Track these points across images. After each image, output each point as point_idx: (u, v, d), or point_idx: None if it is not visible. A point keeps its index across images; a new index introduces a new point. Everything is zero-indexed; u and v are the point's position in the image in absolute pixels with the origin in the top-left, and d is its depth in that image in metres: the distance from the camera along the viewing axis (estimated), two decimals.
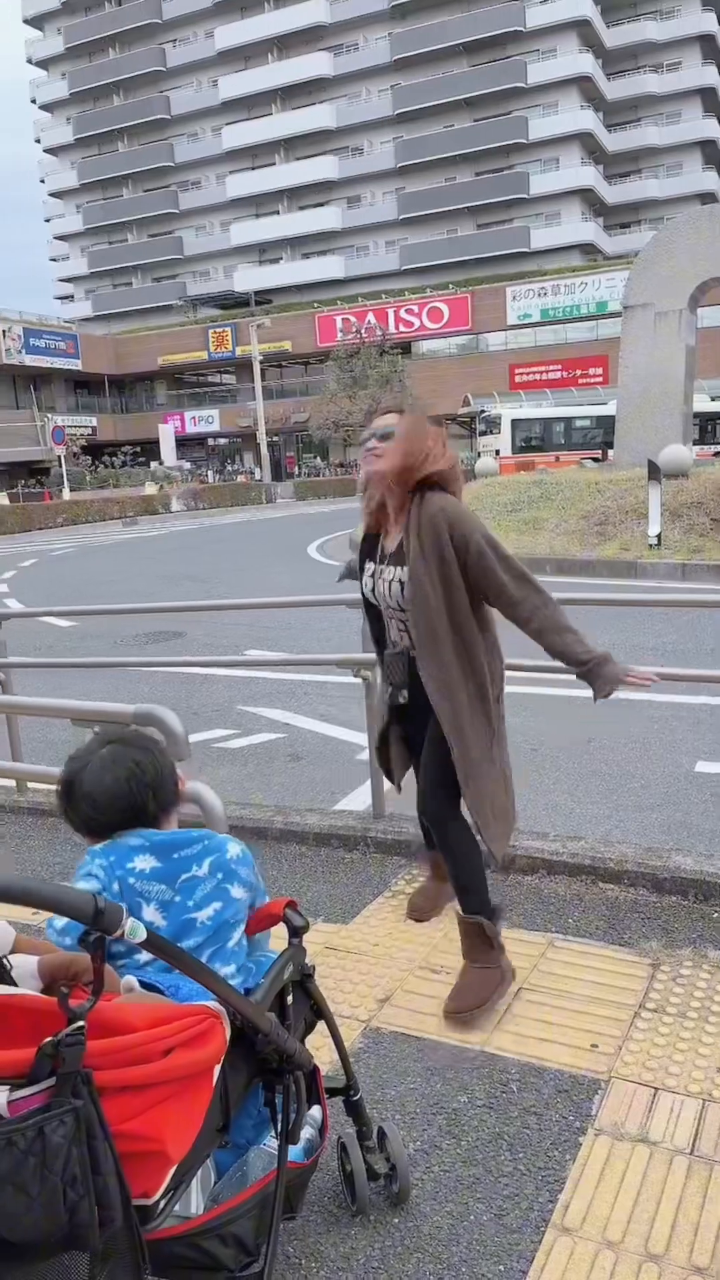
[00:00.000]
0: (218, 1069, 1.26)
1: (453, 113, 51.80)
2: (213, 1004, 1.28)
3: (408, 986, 2.70)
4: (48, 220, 67.75)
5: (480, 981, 2.54)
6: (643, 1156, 1.99)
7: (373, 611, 2.68)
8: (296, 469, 51.10)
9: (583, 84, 49.54)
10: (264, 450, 43.06)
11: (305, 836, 3.74)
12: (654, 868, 3.15)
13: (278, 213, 58.01)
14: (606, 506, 13.17)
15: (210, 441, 55.73)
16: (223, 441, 55.76)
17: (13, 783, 4.50)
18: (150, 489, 36.39)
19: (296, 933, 1.59)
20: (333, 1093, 1.85)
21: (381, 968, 2.80)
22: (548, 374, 42.25)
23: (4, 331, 46.73)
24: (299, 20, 53.97)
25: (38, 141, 66.36)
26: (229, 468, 51.72)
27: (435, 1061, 2.35)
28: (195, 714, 6.37)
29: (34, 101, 65.53)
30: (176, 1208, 1.40)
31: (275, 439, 50.65)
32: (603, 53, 51.00)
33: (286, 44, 55.26)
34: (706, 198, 47.46)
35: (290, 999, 1.55)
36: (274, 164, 57.24)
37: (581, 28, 49.04)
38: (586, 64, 49.16)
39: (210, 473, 50.03)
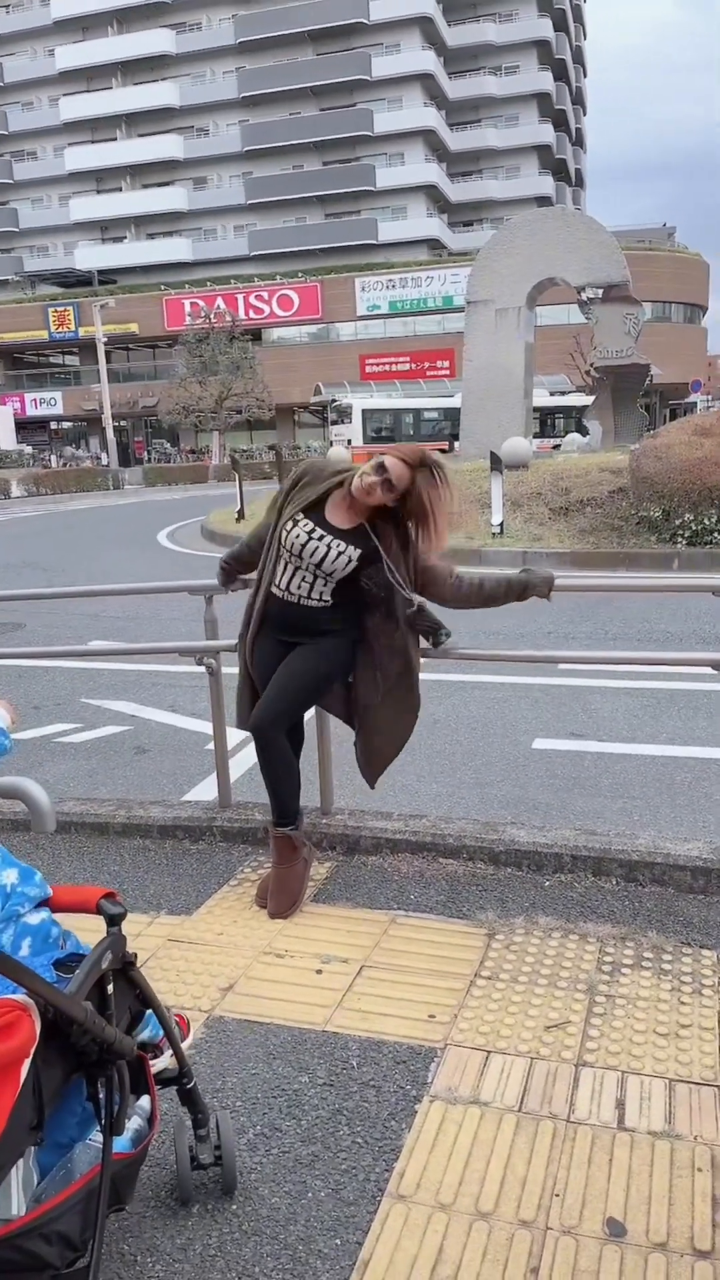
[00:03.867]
0: (26, 1064, 1.21)
1: (299, 100, 51.58)
2: (19, 996, 1.23)
3: (252, 973, 2.69)
4: None
5: (290, 878, 3.02)
6: (474, 1118, 2.07)
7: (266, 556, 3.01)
8: (146, 454, 49.81)
9: (425, 81, 50.38)
10: (110, 435, 41.73)
11: (149, 830, 3.66)
12: (490, 841, 3.26)
13: (120, 189, 56.16)
14: None
15: (53, 425, 53.52)
16: (66, 425, 53.67)
17: None
18: None
19: (114, 921, 1.56)
20: (166, 1083, 1.83)
21: (225, 956, 2.78)
22: (397, 365, 42.90)
23: None
24: None
25: None
26: (73, 452, 49.82)
27: (277, 1045, 2.36)
28: (36, 708, 6.13)
29: None
30: None
31: (123, 423, 49.18)
32: (445, 51, 51.97)
33: (126, 18, 53.51)
34: (543, 200, 49.33)
35: (110, 988, 1.51)
36: (115, 139, 55.33)
37: (424, 24, 49.82)
38: (429, 61, 50.01)
39: (54, 457, 48.05)
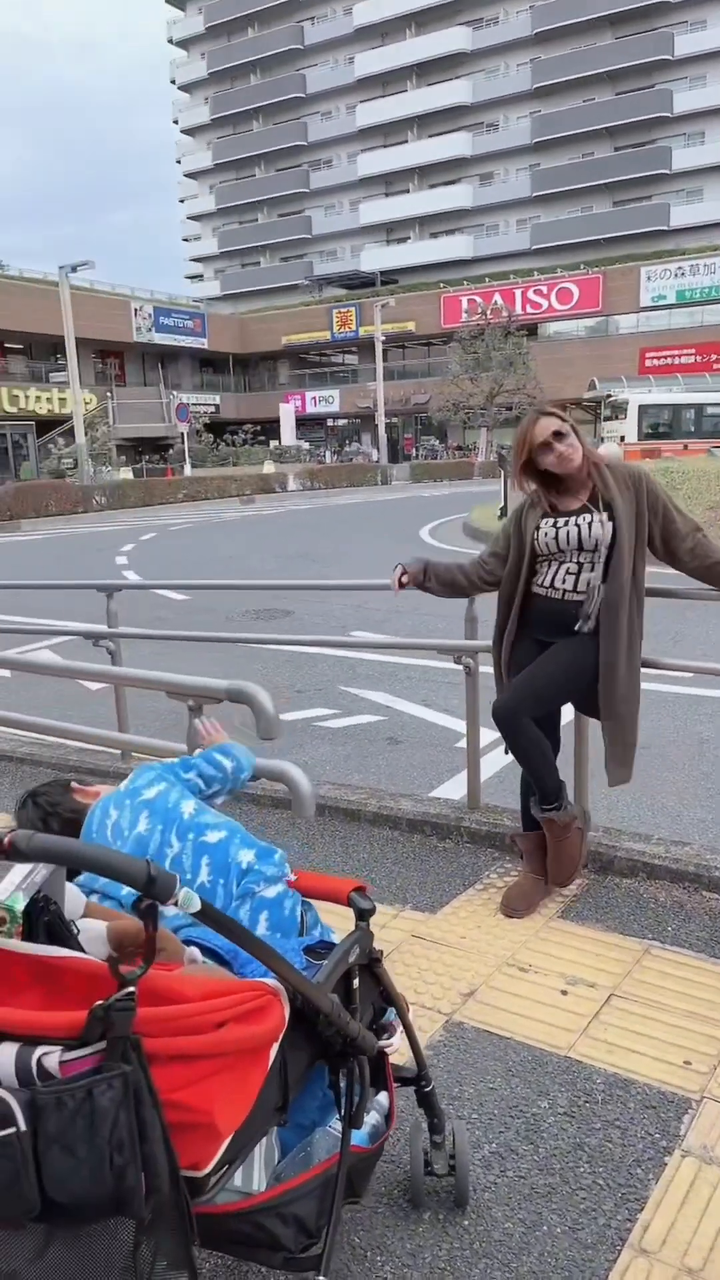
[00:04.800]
0: (275, 1047, 1.24)
1: (593, 86, 50.09)
2: (271, 981, 1.26)
3: (494, 983, 2.63)
4: (182, 201, 69.26)
5: (566, 847, 3.00)
6: None
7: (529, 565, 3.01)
8: (414, 451, 50.87)
9: None
10: (381, 431, 42.99)
11: (399, 822, 3.70)
12: None
13: (408, 191, 57.58)
14: None
15: (330, 422, 56.05)
16: (342, 422, 55.99)
17: (118, 751, 4.62)
18: (269, 468, 36.91)
19: (363, 916, 1.56)
20: (404, 1082, 1.82)
21: (467, 961, 2.74)
22: (680, 358, 40.61)
23: (136, 310, 48.09)
24: None
25: (175, 122, 67.79)
26: (347, 448, 51.91)
27: (517, 1062, 2.29)
28: (299, 692, 6.43)
29: (173, 82, 66.92)
30: (239, 1183, 1.39)
31: (394, 420, 50.53)
32: None
33: (425, 19, 54.57)
34: None
35: (356, 983, 1.52)
36: (406, 141, 56.75)
37: None
38: None
39: (328, 453, 50.35)
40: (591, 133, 50.33)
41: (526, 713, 2.91)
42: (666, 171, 48.60)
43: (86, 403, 41.45)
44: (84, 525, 22.93)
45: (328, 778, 4.48)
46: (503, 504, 16.12)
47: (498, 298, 44.47)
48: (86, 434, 37.20)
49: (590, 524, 2.86)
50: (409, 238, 58.08)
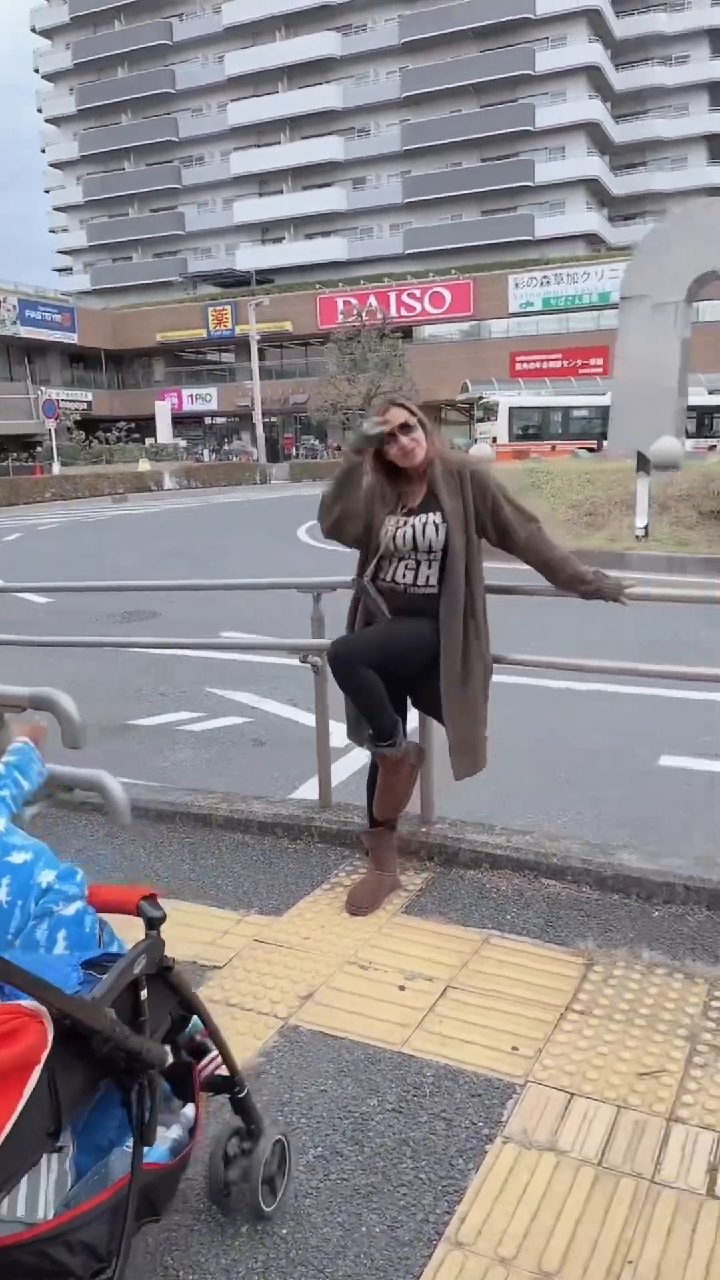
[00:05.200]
0: (37, 1070, 1.17)
1: (460, 98, 51.34)
2: (27, 1003, 1.19)
3: (334, 983, 2.62)
4: (47, 191, 67.06)
5: (398, 784, 3.05)
6: (549, 1166, 1.92)
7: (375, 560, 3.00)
8: (294, 450, 50.82)
9: (591, 73, 49.16)
10: (259, 430, 42.78)
11: (250, 825, 3.65)
12: (598, 865, 3.07)
13: (281, 192, 57.52)
14: (596, 497, 13.08)
15: (208, 420, 55.39)
16: (220, 420, 55.41)
17: None
18: (144, 466, 36.14)
19: (153, 924, 1.50)
20: (216, 1089, 1.77)
21: (309, 962, 2.72)
22: (549, 363, 41.99)
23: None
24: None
25: (39, 111, 65.57)
26: (225, 447, 51.40)
27: (350, 1062, 2.27)
28: (162, 694, 6.30)
29: (37, 71, 64.74)
30: (21, 1213, 1.32)
31: (273, 419, 50.36)
32: (612, 43, 50.60)
33: (295, 22, 54.65)
34: (712, 191, 47.07)
35: (144, 994, 1.46)
36: (279, 142, 56.70)
37: (591, 16, 48.62)
38: (595, 54, 48.78)
39: (206, 451, 49.74)
40: (459, 143, 51.55)
41: (360, 657, 2.87)
42: (530, 184, 50.20)
43: None
44: None
45: (187, 783, 4.39)
46: None
47: (373, 300, 44.95)
48: None
49: (425, 526, 2.90)
50: (284, 238, 57.99)
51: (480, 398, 31.49)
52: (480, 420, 30.40)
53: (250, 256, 56.19)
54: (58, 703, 1.85)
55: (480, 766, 3.01)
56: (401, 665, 2.95)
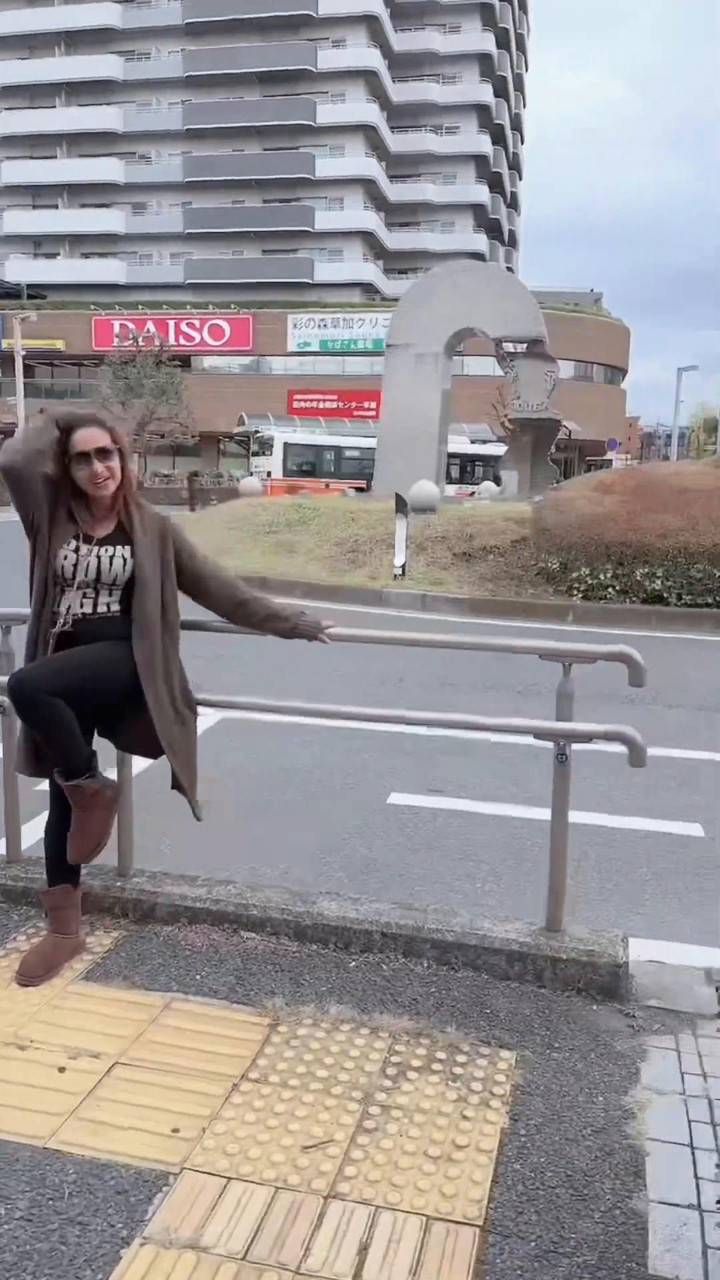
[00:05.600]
0: None
1: (243, 138, 52.14)
2: None
3: None
4: None
5: (95, 821, 2.74)
6: (187, 1267, 1.73)
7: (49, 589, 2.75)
8: None
9: (368, 132, 51.52)
10: None
11: None
12: (297, 914, 2.95)
13: (56, 206, 55.60)
14: (359, 535, 13.36)
15: None
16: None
17: None
18: None
19: None
20: None
21: None
22: (325, 403, 43.01)
23: None
24: (90, 19, 52.34)
25: None
26: None
27: None
28: None
29: None
30: None
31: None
32: (389, 105, 53.28)
33: (75, 40, 53.35)
34: (476, 256, 50.55)
35: None
36: (55, 156, 54.87)
37: (369, 77, 50.96)
38: (372, 114, 51.17)
39: None
40: (242, 181, 52.18)
41: (47, 686, 2.59)
42: (310, 229, 51.66)
43: None
44: None
45: None
46: None
47: (150, 325, 44.22)
48: None
49: (112, 558, 2.71)
50: (59, 254, 56.00)
51: (256, 431, 31.66)
52: (256, 454, 30.54)
53: (21, 269, 53.69)
54: None
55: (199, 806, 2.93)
56: (97, 694, 2.71)
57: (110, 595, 2.73)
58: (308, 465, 29.80)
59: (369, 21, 50.52)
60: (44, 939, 2.81)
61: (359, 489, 23.79)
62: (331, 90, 51.00)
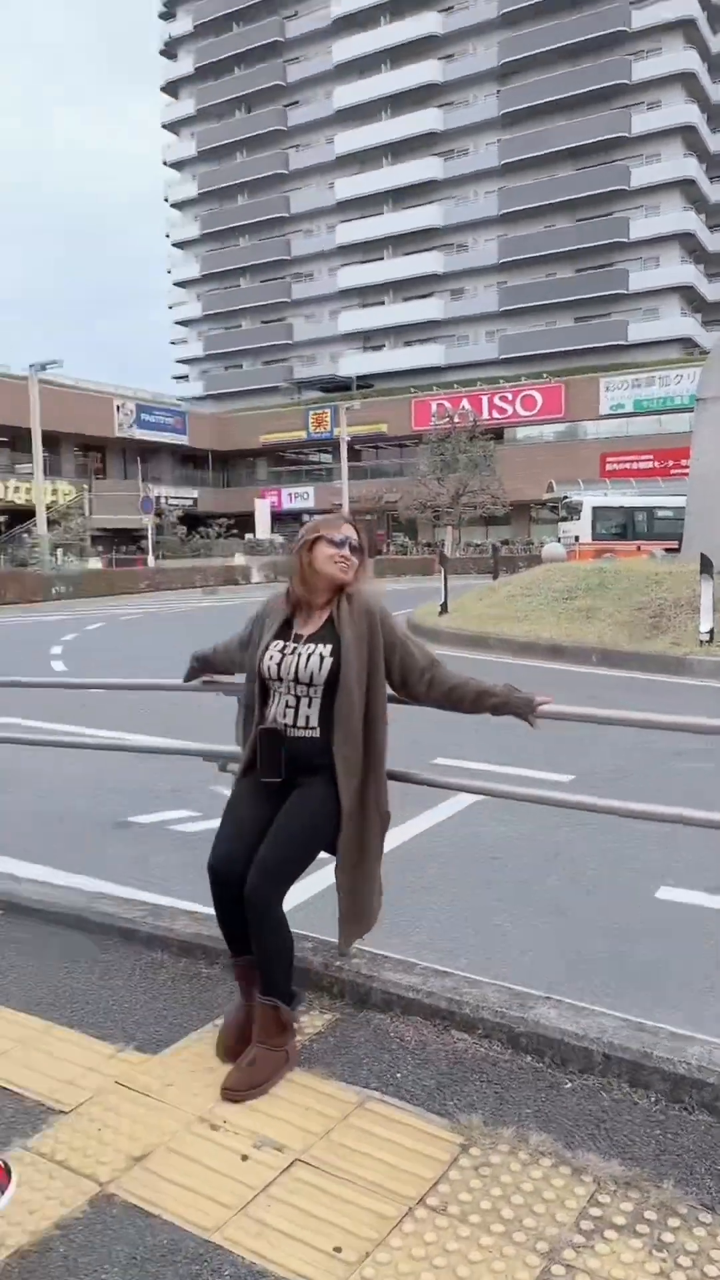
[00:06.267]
0: None
1: (555, 213, 53.17)
2: None
3: (175, 1143, 2.32)
4: (171, 307, 71.97)
5: (264, 1062, 2.53)
6: None
7: (260, 688, 2.81)
8: (386, 547, 51.57)
9: (685, 186, 50.17)
10: None
11: (169, 944, 3.40)
12: (511, 1019, 2.70)
13: (383, 303, 60.16)
14: (662, 599, 12.62)
15: (305, 517, 56.85)
16: (317, 518, 56.76)
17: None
18: (239, 559, 37.15)
19: None
20: None
21: (158, 1116, 2.43)
22: (639, 463, 41.71)
23: (118, 407, 49.21)
24: (413, 127, 56.67)
25: (167, 236, 71.05)
26: None
27: (146, 1250, 1.97)
28: (174, 791, 6.13)
29: (166, 200, 70.37)
30: None
31: (369, 517, 51.42)
32: (706, 157, 51.64)
33: (400, 150, 57.93)
34: None
35: None
36: (382, 258, 59.60)
37: (687, 133, 49.83)
38: (690, 167, 49.86)
39: None
40: (554, 255, 53.01)
41: (279, 893, 2.58)
42: (624, 292, 51.04)
43: (65, 494, 41.95)
44: (37, 614, 22.79)
45: (159, 886, 4.19)
46: (444, 600, 16.15)
47: (465, 403, 45.88)
48: (60, 524, 37.52)
49: (312, 655, 2.71)
50: (384, 345, 60.31)
51: (565, 497, 31.34)
52: (563, 520, 30.18)
53: (353, 363, 58.61)
54: None
55: (369, 927, 2.88)
56: (311, 858, 2.74)
57: (310, 705, 2.71)
58: (618, 528, 28.89)
59: (685, 80, 49.66)
60: (237, 1013, 2.73)
61: (669, 550, 22.58)
62: (645, 152, 50.55)
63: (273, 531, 49.00)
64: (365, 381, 55.86)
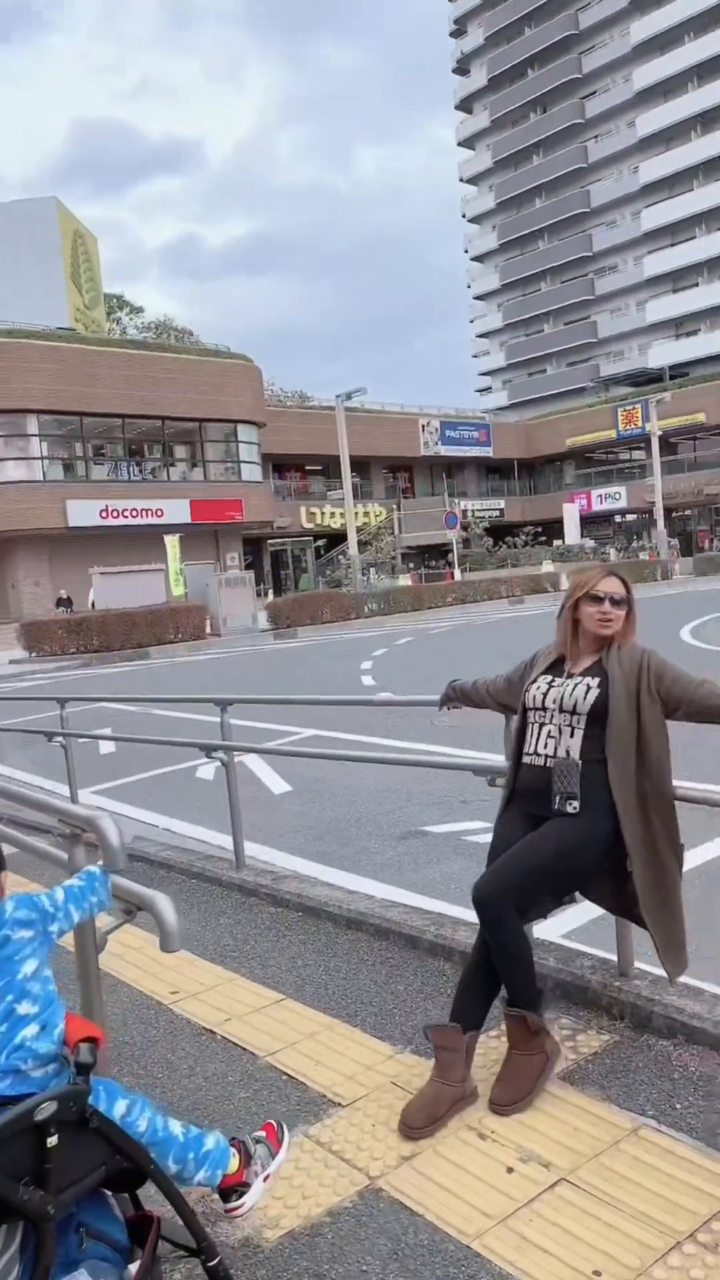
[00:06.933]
0: None
1: None
2: None
3: (443, 1147, 2.38)
4: (472, 321, 73.12)
5: (524, 1070, 2.53)
6: None
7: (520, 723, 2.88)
8: (709, 543, 48.31)
9: None
10: (660, 526, 41.52)
11: (453, 953, 3.47)
12: None
13: (696, 285, 56.61)
14: None
15: (617, 519, 54.95)
16: (631, 518, 54.62)
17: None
18: (547, 567, 36.75)
19: (81, 1070, 1.49)
20: (190, 1252, 1.71)
21: None
22: None
23: (423, 426, 50.89)
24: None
25: (465, 252, 72.33)
26: (634, 544, 50.43)
27: (408, 1247, 2.04)
28: (464, 803, 6.23)
29: (464, 216, 71.76)
30: None
31: (689, 512, 48.59)
32: None
33: (710, 120, 54.33)
34: None
35: (55, 1142, 1.42)
36: (694, 238, 56.15)
37: None
38: None
39: (613, 550, 49.17)
40: None
41: (511, 901, 2.58)
42: None
43: (376, 515, 44.22)
44: (351, 631, 24.20)
45: (445, 896, 4.29)
46: None
47: None
48: (371, 544, 39.57)
49: (577, 685, 2.74)
50: (699, 330, 56.72)
51: None
52: None
53: (663, 353, 55.82)
54: (98, 825, 1.99)
55: (686, 962, 2.70)
56: (556, 889, 2.70)
57: (572, 735, 2.68)
58: None
59: None
60: (427, 1084, 2.56)
61: None
62: None
63: (582, 536, 47.85)
64: (679, 370, 52.82)
